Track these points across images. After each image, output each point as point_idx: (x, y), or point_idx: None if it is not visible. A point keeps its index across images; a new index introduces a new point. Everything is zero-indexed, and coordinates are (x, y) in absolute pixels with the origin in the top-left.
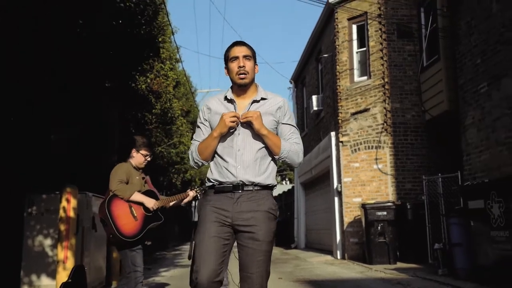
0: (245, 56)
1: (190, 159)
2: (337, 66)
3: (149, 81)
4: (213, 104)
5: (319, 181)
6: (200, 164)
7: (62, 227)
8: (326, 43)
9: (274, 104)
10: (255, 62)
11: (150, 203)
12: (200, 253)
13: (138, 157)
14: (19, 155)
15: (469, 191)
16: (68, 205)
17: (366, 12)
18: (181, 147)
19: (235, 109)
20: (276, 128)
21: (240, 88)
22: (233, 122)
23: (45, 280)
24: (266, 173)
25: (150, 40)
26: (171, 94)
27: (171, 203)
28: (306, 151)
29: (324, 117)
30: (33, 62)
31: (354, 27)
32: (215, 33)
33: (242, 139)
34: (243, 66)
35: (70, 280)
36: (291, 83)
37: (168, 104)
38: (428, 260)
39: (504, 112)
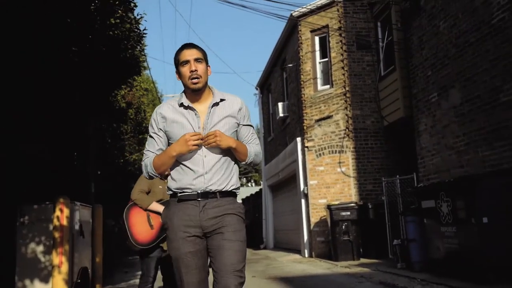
0: (196, 59)
1: (144, 171)
2: (301, 76)
3: (123, 93)
4: (168, 112)
5: (286, 184)
6: (154, 177)
7: (57, 235)
8: (290, 53)
9: (234, 105)
10: (207, 64)
11: None
12: (181, 268)
13: None
14: (7, 169)
15: (422, 192)
16: (62, 214)
17: (327, 25)
18: None
19: (196, 116)
20: (236, 130)
21: (194, 93)
22: (197, 144)
23: (38, 285)
24: (230, 178)
25: (134, 62)
26: (145, 104)
27: None
28: (273, 155)
29: (289, 123)
30: (31, 81)
31: (317, 39)
32: (181, 41)
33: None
34: (195, 70)
35: (79, 281)
36: (257, 89)
37: (143, 114)
38: (389, 255)
39: (452, 120)
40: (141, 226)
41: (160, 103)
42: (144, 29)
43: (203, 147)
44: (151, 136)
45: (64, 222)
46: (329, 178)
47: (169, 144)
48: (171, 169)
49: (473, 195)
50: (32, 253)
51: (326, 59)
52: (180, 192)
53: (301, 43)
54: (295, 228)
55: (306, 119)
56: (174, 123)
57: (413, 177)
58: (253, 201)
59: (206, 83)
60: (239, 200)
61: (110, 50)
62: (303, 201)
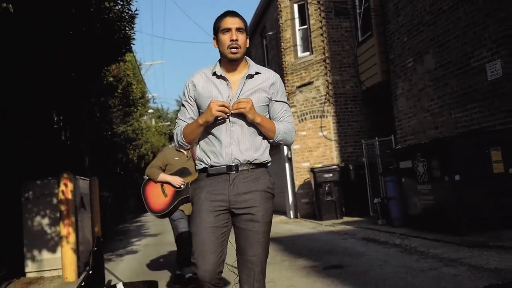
0: (238, 29)
1: (175, 140)
2: (282, 43)
3: (111, 68)
4: (199, 80)
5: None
6: (185, 146)
7: (63, 208)
8: (269, 21)
9: (268, 79)
10: (247, 35)
11: (176, 181)
12: (197, 247)
13: None
14: (8, 147)
15: (399, 153)
16: (66, 188)
17: None
18: (135, 124)
19: (227, 86)
20: (268, 105)
21: (230, 62)
22: (221, 111)
23: (46, 254)
24: (261, 149)
25: (126, 40)
26: (131, 77)
27: None
28: None
29: None
30: (31, 62)
31: (296, 6)
32: (157, 8)
33: (236, 114)
34: (236, 40)
35: (95, 248)
36: None
37: (130, 88)
38: (370, 213)
39: (427, 84)
40: (156, 197)
41: (140, 72)
42: (136, 10)
43: (230, 117)
44: (183, 105)
45: (69, 195)
46: (312, 142)
47: (199, 113)
48: (200, 139)
49: (446, 155)
50: (39, 226)
51: (305, 26)
52: (210, 167)
53: (281, 11)
54: (280, 191)
55: (288, 86)
56: (204, 91)
57: (391, 139)
58: None
59: (244, 54)
60: None
61: (105, 32)
62: (287, 165)
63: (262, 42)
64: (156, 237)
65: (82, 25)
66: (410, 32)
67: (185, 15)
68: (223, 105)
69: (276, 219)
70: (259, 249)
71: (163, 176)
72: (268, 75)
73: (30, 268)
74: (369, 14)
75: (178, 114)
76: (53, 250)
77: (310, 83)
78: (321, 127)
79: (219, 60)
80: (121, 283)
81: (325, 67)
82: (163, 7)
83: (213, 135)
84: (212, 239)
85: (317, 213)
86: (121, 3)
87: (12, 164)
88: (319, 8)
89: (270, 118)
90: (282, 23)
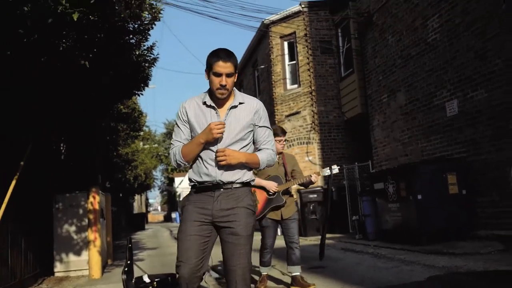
0: (228, 74)
1: (172, 160)
2: (273, 76)
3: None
4: (190, 107)
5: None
6: (182, 165)
7: (91, 216)
8: (261, 55)
9: (251, 108)
10: (235, 71)
11: (271, 186)
12: (182, 252)
13: (277, 145)
14: (42, 166)
15: (374, 177)
16: (94, 200)
17: (294, 32)
18: (133, 145)
19: (217, 115)
20: (252, 130)
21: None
22: (221, 133)
23: (72, 257)
24: (244, 170)
25: (146, 77)
26: (138, 105)
27: (295, 185)
28: None
29: None
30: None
31: (286, 43)
32: (155, 33)
33: (223, 142)
34: (225, 85)
35: (130, 245)
36: None
37: (141, 116)
38: (349, 230)
39: (399, 117)
40: None
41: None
42: (157, 54)
43: (217, 143)
44: (178, 127)
45: (96, 206)
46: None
47: (191, 136)
48: (193, 161)
49: (411, 178)
50: (66, 232)
51: (294, 61)
52: (199, 184)
53: (272, 47)
54: None
55: (277, 115)
56: (194, 118)
57: (368, 164)
58: None
59: (231, 90)
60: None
61: (132, 72)
62: None
63: (254, 74)
64: (156, 250)
65: (119, 69)
66: (385, 72)
67: (180, 44)
68: (222, 126)
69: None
70: (240, 259)
71: (258, 181)
72: (252, 104)
73: (58, 268)
74: (350, 53)
75: (173, 136)
76: (78, 253)
77: (297, 112)
78: (307, 152)
79: (209, 92)
80: (146, 274)
81: (311, 99)
82: (159, 35)
83: (202, 158)
84: (195, 246)
85: (302, 230)
86: (146, 50)
87: (46, 180)
88: (307, 46)
89: (254, 141)
90: (273, 58)
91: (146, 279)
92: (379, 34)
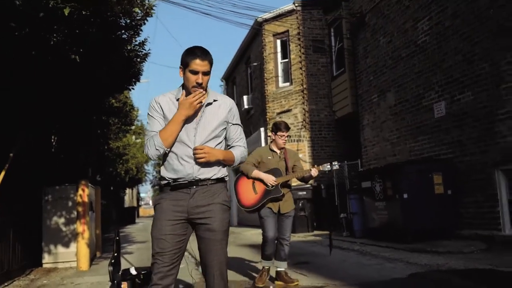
0: (204, 73)
1: (151, 149)
2: (265, 74)
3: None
4: (164, 103)
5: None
6: (162, 151)
7: (80, 209)
8: (254, 52)
9: (226, 105)
10: (211, 71)
11: (269, 179)
12: (156, 250)
13: (277, 139)
14: (32, 158)
15: (362, 175)
16: (83, 193)
17: (287, 30)
18: (124, 139)
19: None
20: (226, 128)
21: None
22: (201, 101)
23: (60, 249)
24: (219, 166)
25: (137, 72)
26: (130, 99)
27: (293, 178)
28: None
29: (253, 114)
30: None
31: (278, 41)
32: (149, 28)
33: (199, 139)
34: (201, 83)
35: (117, 238)
36: (222, 81)
37: (133, 110)
38: (337, 227)
39: (388, 117)
40: (246, 192)
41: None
42: (149, 49)
43: (194, 138)
44: (153, 118)
45: (85, 199)
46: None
47: None
48: (164, 159)
49: (397, 178)
50: (55, 224)
51: (287, 59)
52: (173, 182)
53: (265, 45)
54: None
55: (269, 112)
56: (168, 114)
57: (358, 163)
58: None
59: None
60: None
61: (124, 68)
62: None
63: (247, 70)
64: (145, 243)
65: (111, 64)
66: (376, 73)
67: (174, 38)
68: (199, 95)
69: (254, 231)
70: (217, 255)
71: (256, 173)
72: (225, 102)
73: (46, 259)
74: (342, 53)
75: (148, 127)
76: (67, 245)
77: (289, 110)
78: (297, 149)
79: (183, 87)
80: (133, 267)
81: (303, 97)
82: (153, 30)
83: (177, 155)
84: (170, 245)
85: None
86: (137, 45)
87: (35, 172)
88: (299, 44)
89: (226, 138)
90: (265, 56)
91: (133, 271)
92: (371, 35)
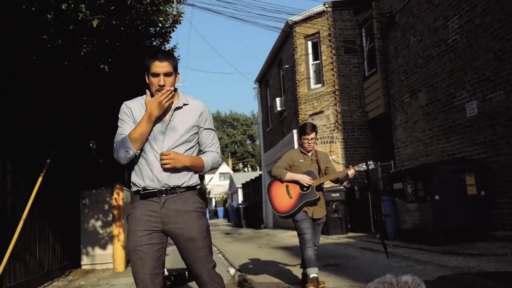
0: (166, 74)
1: (120, 151)
2: (297, 76)
3: None
4: (134, 108)
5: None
6: (132, 153)
7: (116, 212)
8: (286, 55)
9: (196, 109)
10: (176, 72)
11: (304, 179)
12: (136, 262)
13: (302, 142)
14: (71, 163)
15: (394, 176)
16: (118, 196)
17: (318, 32)
18: None
19: (161, 116)
20: (197, 132)
21: None
22: (170, 99)
23: (98, 251)
24: (190, 173)
25: None
26: None
27: (328, 180)
28: (271, 144)
29: (286, 116)
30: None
31: (309, 43)
32: (182, 40)
33: (168, 144)
34: (163, 85)
35: None
36: (255, 84)
37: None
38: (371, 229)
39: (420, 118)
40: (281, 197)
41: None
42: (178, 56)
43: (162, 143)
44: (123, 121)
45: (120, 202)
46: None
47: None
48: (134, 164)
49: (428, 179)
50: (92, 227)
51: (318, 61)
52: (142, 190)
53: (296, 47)
54: None
55: (301, 114)
56: (138, 119)
57: (391, 164)
58: (253, 186)
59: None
60: (238, 185)
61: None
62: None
63: (279, 73)
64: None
65: (138, 71)
66: (407, 72)
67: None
68: (167, 93)
69: (288, 234)
70: (203, 264)
71: (290, 175)
72: (197, 106)
73: (85, 261)
74: (374, 53)
75: (118, 130)
76: (103, 247)
77: (321, 112)
78: (330, 151)
79: (151, 94)
80: (165, 268)
81: (335, 98)
82: (187, 36)
83: (146, 161)
84: (148, 257)
85: (325, 229)
86: (160, 40)
87: (74, 176)
88: (331, 46)
89: (199, 143)
90: (297, 58)
91: (165, 272)
92: (401, 34)
